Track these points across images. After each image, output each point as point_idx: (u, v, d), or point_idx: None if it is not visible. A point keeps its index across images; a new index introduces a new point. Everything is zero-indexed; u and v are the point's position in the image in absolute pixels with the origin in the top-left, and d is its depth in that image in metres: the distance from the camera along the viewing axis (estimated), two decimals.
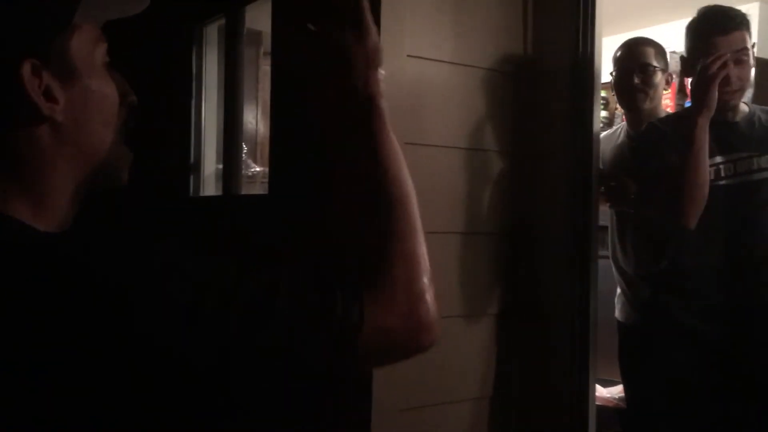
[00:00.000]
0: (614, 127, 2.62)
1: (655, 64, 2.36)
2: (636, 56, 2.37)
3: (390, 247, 0.79)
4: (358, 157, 0.86)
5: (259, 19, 3.15)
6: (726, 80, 2.06)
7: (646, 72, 2.36)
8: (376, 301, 0.75)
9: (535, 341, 2.39)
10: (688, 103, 3.42)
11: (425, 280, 0.80)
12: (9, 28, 0.72)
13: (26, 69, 0.72)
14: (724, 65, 1.95)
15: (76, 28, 0.77)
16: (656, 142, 2.18)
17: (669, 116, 2.37)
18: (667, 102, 3.50)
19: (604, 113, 2.57)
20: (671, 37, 3.51)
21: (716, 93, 1.96)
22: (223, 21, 3.23)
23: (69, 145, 0.77)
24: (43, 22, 0.74)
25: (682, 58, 2.19)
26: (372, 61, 0.87)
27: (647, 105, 2.36)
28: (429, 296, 0.79)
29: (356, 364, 0.77)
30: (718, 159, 2.14)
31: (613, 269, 2.46)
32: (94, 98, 0.79)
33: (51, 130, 0.76)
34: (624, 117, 2.54)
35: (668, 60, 2.49)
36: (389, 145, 0.84)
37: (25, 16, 0.72)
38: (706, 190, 2.01)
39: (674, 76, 3.50)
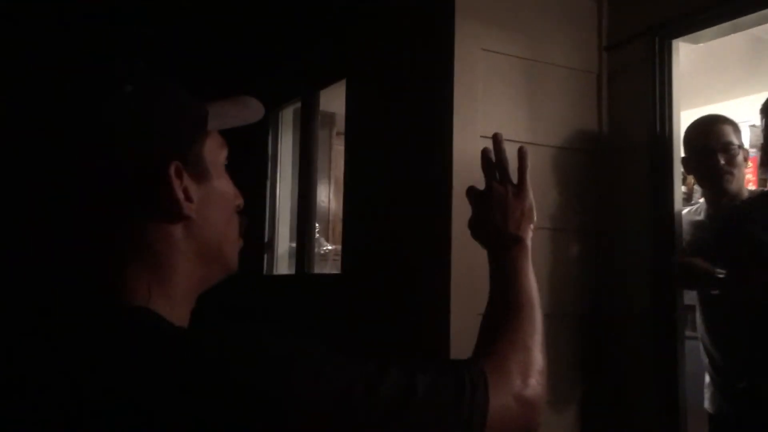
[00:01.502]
0: (695, 204, 2.50)
1: (736, 142, 2.22)
2: (717, 136, 2.21)
3: (510, 339, 0.95)
4: (500, 274, 1.09)
5: (333, 102, 3.25)
6: None
7: (729, 152, 2.19)
8: (497, 383, 0.85)
9: (619, 430, 2.27)
10: None
11: (537, 368, 0.92)
12: (160, 133, 0.78)
13: (172, 171, 0.78)
14: None
15: (208, 134, 0.85)
16: (741, 222, 2.09)
17: (753, 195, 2.27)
18: (748, 177, 3.39)
19: (683, 188, 2.48)
20: (747, 110, 3.44)
21: None
22: (298, 104, 3.34)
23: (197, 241, 0.82)
24: (186, 129, 0.81)
25: (765, 131, 2.12)
26: (527, 214, 1.09)
27: (734, 186, 2.22)
28: (539, 383, 0.91)
29: None
30: None
31: (702, 355, 2.32)
32: (219, 198, 0.85)
33: (183, 227, 0.81)
34: (703, 194, 2.41)
35: (741, 135, 2.37)
36: (526, 271, 1.06)
37: (172, 124, 0.80)
38: None
39: (752, 150, 3.41)
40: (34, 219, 0.81)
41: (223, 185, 0.86)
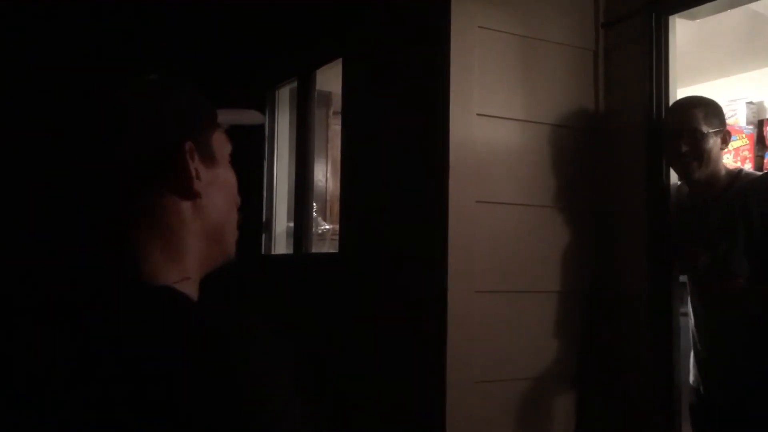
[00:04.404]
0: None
1: (704, 128, 2.13)
2: (683, 121, 2.15)
3: None
4: None
5: (330, 81, 3.24)
6: None
7: (693, 138, 2.13)
8: None
9: (616, 406, 2.30)
10: None
11: None
12: (177, 116, 0.87)
13: (188, 149, 0.85)
14: None
15: (217, 127, 0.93)
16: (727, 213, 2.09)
17: (741, 179, 2.23)
18: (745, 154, 3.39)
19: None
20: (744, 87, 3.42)
21: None
22: (295, 84, 3.33)
23: (203, 221, 0.88)
24: (200, 116, 0.90)
25: None
26: None
27: (699, 173, 2.15)
28: None
29: None
30: None
31: (689, 331, 2.32)
32: (224, 184, 0.92)
33: (193, 205, 0.87)
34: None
35: (723, 118, 2.29)
36: None
37: (188, 110, 0.89)
38: None
39: (745, 128, 3.40)
40: (60, 194, 0.88)
41: (226, 174, 0.93)
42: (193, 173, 0.85)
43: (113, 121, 0.84)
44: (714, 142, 2.16)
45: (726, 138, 2.21)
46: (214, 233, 0.90)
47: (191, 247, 0.86)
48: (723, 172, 2.21)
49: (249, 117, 1.05)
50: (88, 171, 0.85)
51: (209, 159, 0.89)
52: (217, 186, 0.90)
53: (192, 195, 0.85)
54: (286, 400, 0.73)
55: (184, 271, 0.84)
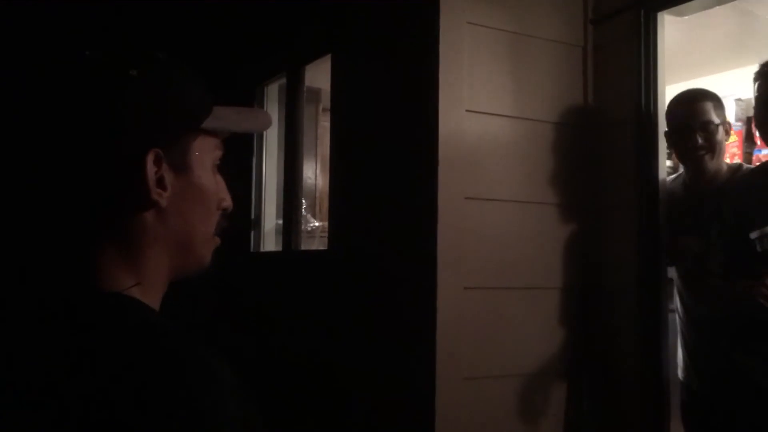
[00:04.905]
0: (678, 174, 2.47)
1: (716, 120, 2.16)
2: (696, 114, 2.17)
3: None
4: None
5: (318, 77, 3.23)
6: None
7: (707, 130, 2.16)
8: None
9: (605, 401, 2.30)
10: (757, 151, 3.33)
11: None
12: (148, 120, 0.82)
13: (150, 157, 0.81)
14: None
15: (200, 133, 0.88)
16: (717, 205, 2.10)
17: (731, 172, 2.24)
18: (734, 151, 3.40)
19: (669, 162, 2.47)
20: (733, 84, 3.44)
21: None
22: (283, 80, 3.31)
23: (168, 230, 0.86)
24: (176, 121, 0.85)
25: (759, 97, 2.09)
26: None
27: (711, 165, 2.18)
28: None
29: None
30: None
31: (677, 326, 2.33)
32: (197, 193, 0.88)
33: (156, 214, 0.84)
34: (684, 168, 2.39)
35: (725, 109, 2.33)
36: None
37: (162, 114, 0.83)
38: None
39: (734, 124, 3.41)
40: (18, 203, 0.85)
41: (205, 182, 0.89)
42: (151, 183, 0.81)
43: (76, 124, 0.80)
44: (722, 134, 2.20)
45: (728, 130, 2.25)
46: (181, 243, 0.87)
47: (154, 257, 0.85)
48: (724, 167, 2.24)
49: (249, 124, 1.02)
50: (46, 174, 0.82)
51: (182, 167, 0.85)
52: (189, 194, 0.87)
53: (151, 204, 0.83)
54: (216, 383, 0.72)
55: (138, 277, 0.83)
